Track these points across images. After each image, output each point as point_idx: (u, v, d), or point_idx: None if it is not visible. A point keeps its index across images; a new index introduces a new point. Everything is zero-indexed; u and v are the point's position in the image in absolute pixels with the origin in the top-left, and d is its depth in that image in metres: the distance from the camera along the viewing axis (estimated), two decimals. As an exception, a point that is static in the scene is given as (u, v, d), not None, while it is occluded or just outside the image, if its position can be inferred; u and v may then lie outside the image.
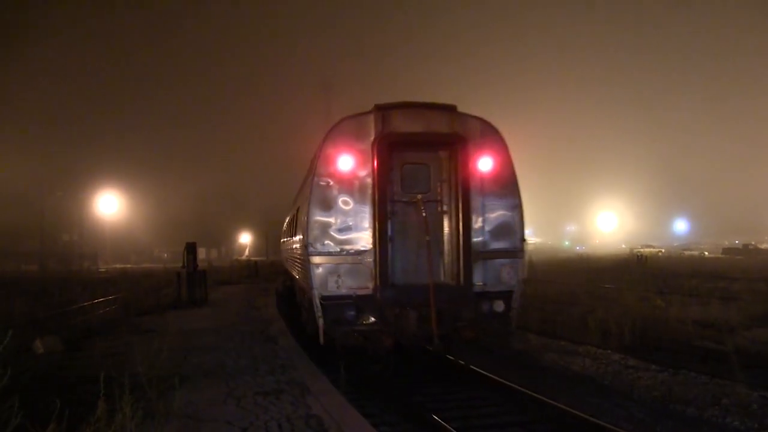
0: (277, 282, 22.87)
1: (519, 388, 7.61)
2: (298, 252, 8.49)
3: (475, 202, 7.80)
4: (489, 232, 7.86)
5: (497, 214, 7.92)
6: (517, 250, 7.93)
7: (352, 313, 7.44)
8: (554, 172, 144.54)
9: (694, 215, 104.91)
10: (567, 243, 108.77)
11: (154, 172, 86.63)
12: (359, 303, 7.45)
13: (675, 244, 79.80)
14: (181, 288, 17.25)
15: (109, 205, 61.60)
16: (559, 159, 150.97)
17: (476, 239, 7.78)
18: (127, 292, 17.53)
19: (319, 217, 7.59)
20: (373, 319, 7.46)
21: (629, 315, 11.46)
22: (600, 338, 10.69)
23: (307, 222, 7.59)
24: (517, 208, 7.98)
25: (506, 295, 7.79)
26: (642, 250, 53.51)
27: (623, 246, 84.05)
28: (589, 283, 19.27)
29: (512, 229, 7.94)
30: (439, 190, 7.90)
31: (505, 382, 7.94)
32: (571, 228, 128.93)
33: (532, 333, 11.82)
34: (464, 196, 7.62)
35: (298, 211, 8.81)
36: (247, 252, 77.80)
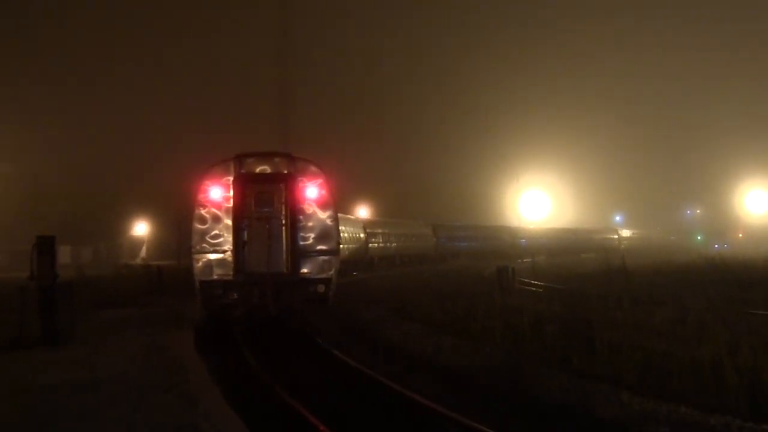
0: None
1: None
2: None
3: (305, 217, 18.84)
4: (314, 237, 18.87)
5: (319, 225, 18.94)
6: (333, 249, 19.10)
7: (220, 291, 18.52)
8: (667, 137, 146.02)
9: None
10: (699, 238, 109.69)
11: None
12: (224, 285, 18.48)
13: None
14: (26, 313, 17.25)
15: None
16: (671, 117, 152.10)
17: (305, 243, 18.81)
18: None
19: (199, 227, 18.66)
20: (235, 295, 18.56)
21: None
22: (748, 402, 10.64)
23: (191, 232, 18.84)
24: (334, 221, 19.18)
25: (326, 281, 18.79)
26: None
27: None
28: (727, 304, 19.27)
29: (331, 235, 19.04)
30: (280, 209, 18.92)
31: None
32: (691, 213, 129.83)
33: (626, 389, 11.82)
34: (293, 214, 18.80)
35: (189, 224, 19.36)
36: (143, 252, 77.75)
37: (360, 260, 51.83)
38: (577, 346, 15.18)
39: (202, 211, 18.71)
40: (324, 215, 19.04)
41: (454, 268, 51.63)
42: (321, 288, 18.77)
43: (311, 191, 18.97)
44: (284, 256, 18.79)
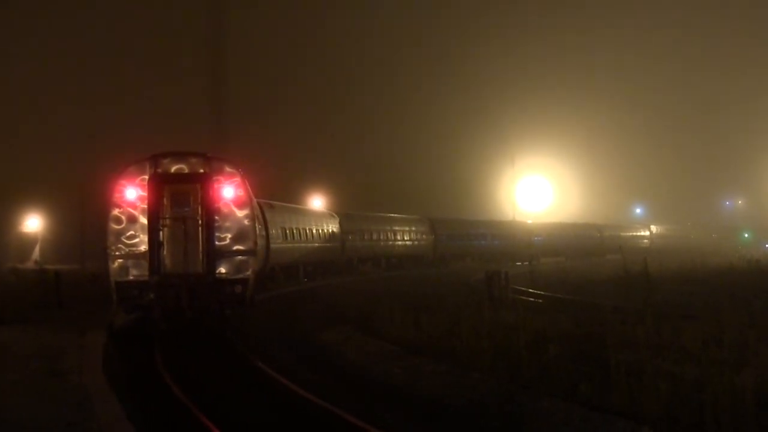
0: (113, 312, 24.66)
1: None
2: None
3: (221, 217, 23.87)
4: (231, 237, 23.96)
5: (237, 225, 24.04)
6: (251, 249, 24.39)
7: (136, 293, 23.65)
8: (696, 116, 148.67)
9: None
10: (746, 235, 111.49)
11: None
12: (140, 286, 23.52)
13: None
14: None
15: None
16: (701, 94, 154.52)
17: (222, 243, 23.84)
18: None
19: (114, 228, 23.67)
20: (151, 296, 23.36)
21: None
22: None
23: (106, 232, 23.83)
24: (252, 220, 24.58)
25: (243, 281, 24.00)
26: None
27: None
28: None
29: (248, 235, 24.30)
30: (196, 209, 23.81)
31: None
32: (731, 204, 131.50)
33: (648, 425, 11.79)
34: (209, 214, 23.76)
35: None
36: (36, 253, 77.07)
37: (332, 262, 52.37)
38: (587, 371, 15.29)
39: (118, 212, 23.41)
40: (241, 215, 23.94)
41: (454, 271, 51.74)
42: (238, 288, 23.71)
43: (227, 191, 23.79)
44: (200, 257, 23.48)
